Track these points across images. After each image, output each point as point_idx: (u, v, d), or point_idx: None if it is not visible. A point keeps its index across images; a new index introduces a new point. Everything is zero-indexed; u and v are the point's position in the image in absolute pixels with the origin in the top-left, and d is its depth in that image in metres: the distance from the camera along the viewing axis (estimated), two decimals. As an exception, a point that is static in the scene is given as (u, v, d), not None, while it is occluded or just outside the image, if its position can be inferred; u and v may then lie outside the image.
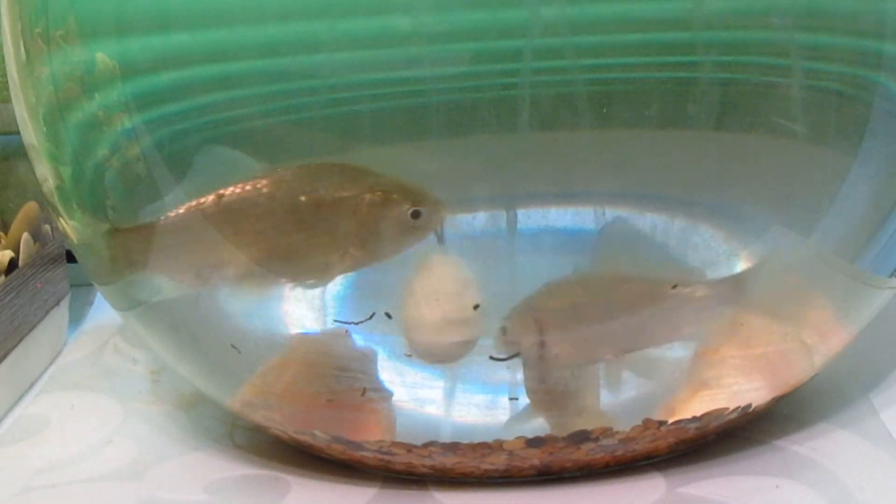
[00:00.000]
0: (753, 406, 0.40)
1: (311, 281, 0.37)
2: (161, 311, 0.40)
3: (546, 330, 0.36)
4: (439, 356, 0.37)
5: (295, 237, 0.36)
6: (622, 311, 0.36)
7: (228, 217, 0.36)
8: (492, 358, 0.36)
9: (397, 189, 0.35)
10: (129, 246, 0.39)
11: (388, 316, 0.36)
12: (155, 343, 0.43)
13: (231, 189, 0.36)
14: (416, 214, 0.35)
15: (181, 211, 0.36)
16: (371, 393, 0.38)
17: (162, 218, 0.37)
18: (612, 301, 0.36)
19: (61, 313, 0.57)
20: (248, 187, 0.35)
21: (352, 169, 0.35)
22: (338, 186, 0.35)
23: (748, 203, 0.36)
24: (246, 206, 0.36)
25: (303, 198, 0.35)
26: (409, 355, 0.36)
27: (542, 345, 0.36)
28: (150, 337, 0.42)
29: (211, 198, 0.36)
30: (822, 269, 0.38)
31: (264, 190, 0.35)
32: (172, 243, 0.37)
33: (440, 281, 0.35)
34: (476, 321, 0.36)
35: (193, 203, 0.36)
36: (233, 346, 0.39)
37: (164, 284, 0.39)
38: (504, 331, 0.36)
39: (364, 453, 0.40)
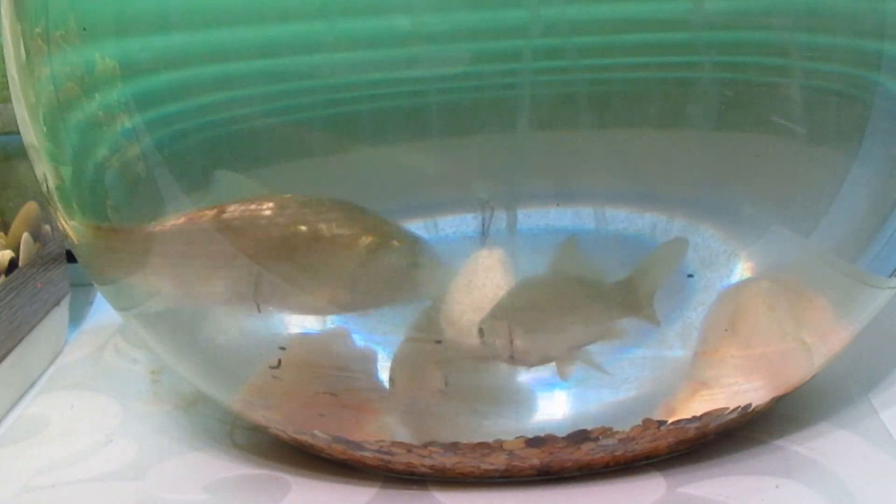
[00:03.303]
0: (753, 406, 0.40)
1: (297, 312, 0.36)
2: (161, 311, 0.40)
3: (514, 329, 0.36)
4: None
5: (286, 267, 0.35)
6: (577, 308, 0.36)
7: (225, 234, 0.35)
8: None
9: (398, 236, 0.34)
10: (114, 246, 0.38)
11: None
12: (155, 343, 0.43)
13: (233, 207, 0.35)
14: (414, 266, 0.34)
15: (178, 220, 0.36)
16: (371, 393, 0.38)
17: (156, 224, 0.37)
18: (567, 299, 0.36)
19: (61, 313, 0.57)
20: (251, 207, 0.35)
21: (354, 207, 0.34)
22: (337, 223, 0.34)
23: (748, 203, 0.36)
24: (244, 227, 0.35)
25: (303, 228, 0.34)
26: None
27: (511, 344, 0.36)
28: (150, 337, 0.42)
29: (212, 212, 0.36)
30: (822, 269, 0.38)
31: (266, 213, 0.35)
32: (160, 250, 0.37)
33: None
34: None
35: (193, 214, 0.36)
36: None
37: (163, 286, 0.39)
38: (481, 332, 0.36)
39: (364, 453, 0.40)
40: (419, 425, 0.38)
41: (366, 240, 0.34)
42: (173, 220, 0.36)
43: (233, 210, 0.35)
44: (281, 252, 0.35)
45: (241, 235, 0.35)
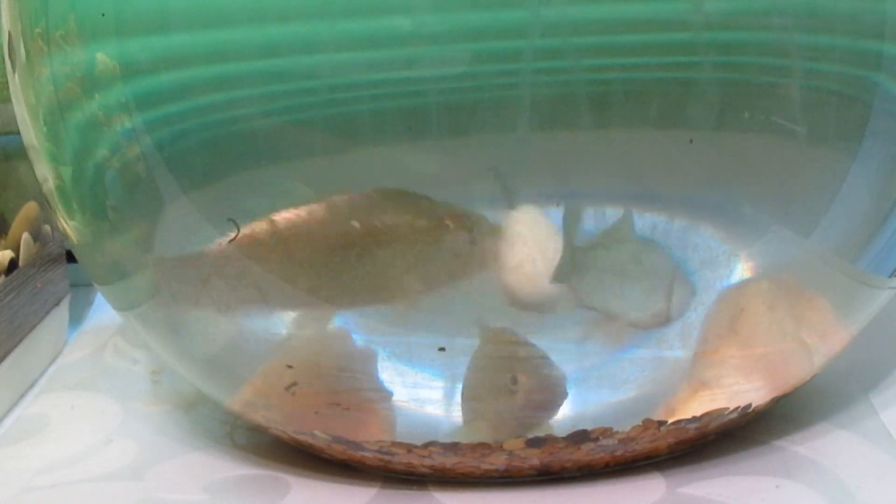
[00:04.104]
0: (753, 406, 0.40)
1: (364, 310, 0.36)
2: (161, 311, 0.40)
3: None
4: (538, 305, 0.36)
5: (348, 266, 0.35)
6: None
7: (282, 245, 0.35)
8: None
9: (450, 214, 0.34)
10: (174, 275, 0.38)
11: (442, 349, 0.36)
12: (155, 343, 0.43)
13: (284, 216, 0.35)
14: (471, 240, 0.34)
15: (231, 240, 0.36)
16: (371, 393, 0.38)
17: (209, 247, 0.36)
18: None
19: (61, 313, 0.57)
20: (301, 214, 0.35)
21: (402, 194, 0.34)
22: (391, 214, 0.34)
23: (748, 203, 0.36)
24: (299, 235, 0.35)
25: (356, 224, 0.34)
26: (443, 349, 0.36)
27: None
28: (150, 337, 0.42)
29: (264, 225, 0.35)
30: (822, 269, 0.38)
31: (318, 217, 0.34)
32: (218, 274, 0.37)
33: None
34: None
35: (246, 231, 0.36)
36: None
37: (164, 286, 0.39)
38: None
39: (364, 453, 0.40)
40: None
41: (420, 224, 0.34)
42: (225, 241, 0.36)
43: (284, 219, 0.35)
44: (343, 255, 0.35)
45: (298, 245, 0.35)
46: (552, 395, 0.37)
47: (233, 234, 0.35)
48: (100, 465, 0.44)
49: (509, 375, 0.36)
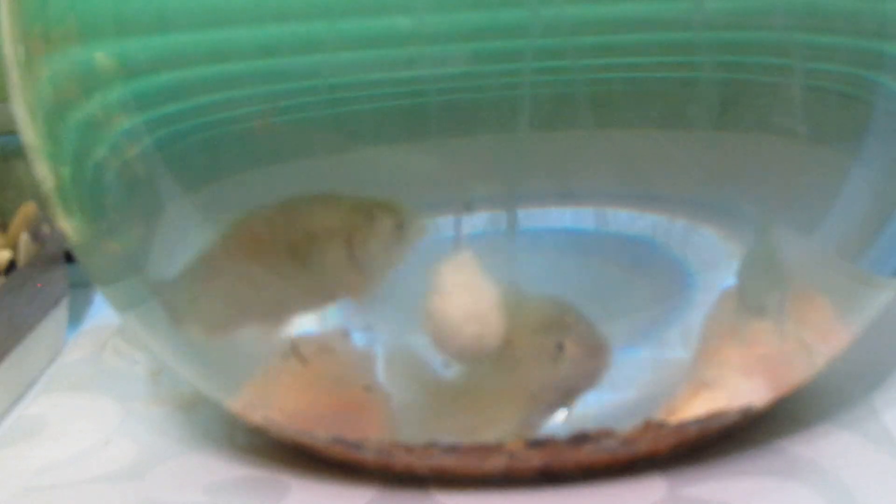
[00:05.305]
0: (754, 407, 0.40)
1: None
2: (161, 310, 0.40)
3: None
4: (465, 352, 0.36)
5: (294, 274, 0.36)
6: None
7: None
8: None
9: (377, 206, 0.35)
10: (174, 275, 0.38)
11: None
12: (155, 343, 0.43)
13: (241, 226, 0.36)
14: (399, 227, 0.34)
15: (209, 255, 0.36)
16: (371, 393, 0.38)
17: (209, 247, 0.37)
18: None
19: (61, 313, 0.57)
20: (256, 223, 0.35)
21: (328, 197, 0.35)
22: (322, 217, 0.35)
23: (748, 203, 0.36)
24: (240, 244, 0.36)
25: (292, 233, 0.35)
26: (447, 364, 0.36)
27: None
28: (150, 337, 0.42)
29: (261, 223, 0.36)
30: (823, 270, 0.38)
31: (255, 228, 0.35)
32: (218, 274, 0.37)
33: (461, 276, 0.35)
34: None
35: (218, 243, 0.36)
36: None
37: (164, 285, 0.39)
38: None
39: (364, 454, 0.40)
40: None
41: (355, 220, 0.35)
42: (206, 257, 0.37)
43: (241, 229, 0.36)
44: (283, 261, 0.35)
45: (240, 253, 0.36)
46: (599, 362, 0.37)
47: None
48: (99, 465, 0.44)
49: (555, 342, 0.36)
